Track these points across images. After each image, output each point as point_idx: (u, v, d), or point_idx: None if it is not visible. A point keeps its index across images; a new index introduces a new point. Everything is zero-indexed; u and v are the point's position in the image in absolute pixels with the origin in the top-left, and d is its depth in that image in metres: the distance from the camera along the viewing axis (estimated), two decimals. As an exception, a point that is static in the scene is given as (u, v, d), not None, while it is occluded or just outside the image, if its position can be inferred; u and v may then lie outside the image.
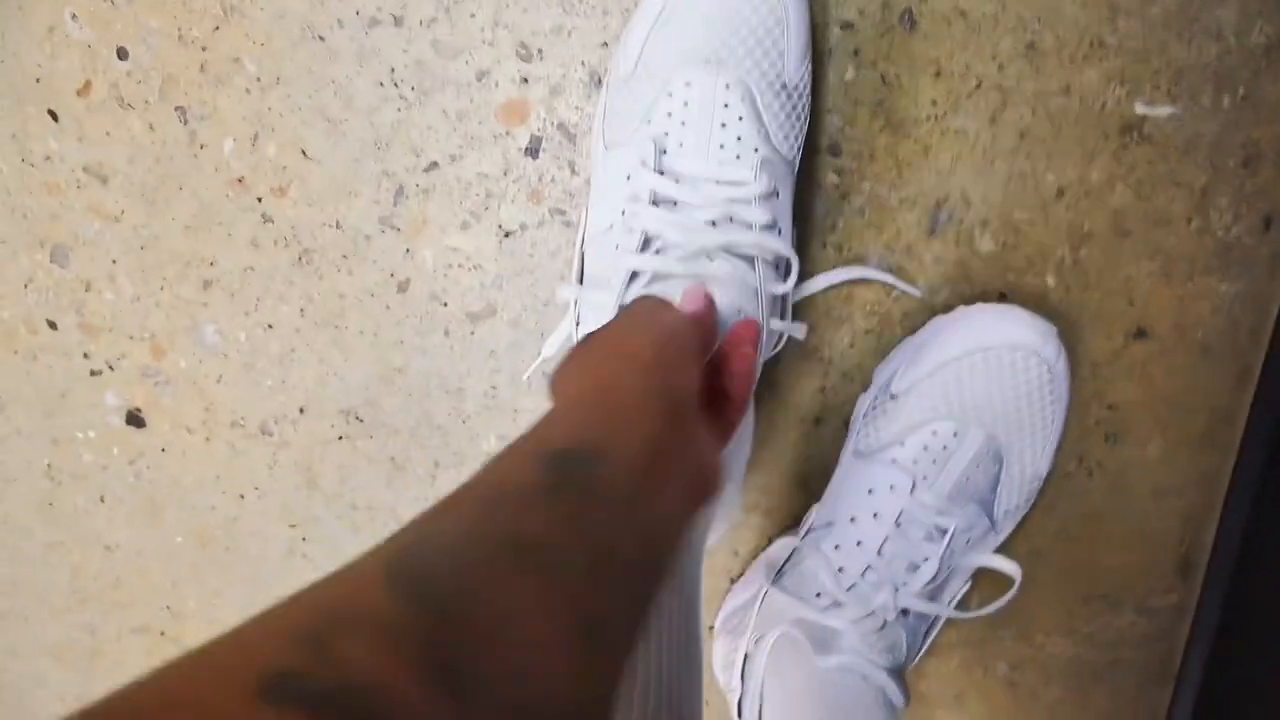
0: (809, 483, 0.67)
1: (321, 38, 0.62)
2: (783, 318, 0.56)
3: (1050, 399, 0.57)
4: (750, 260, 0.52)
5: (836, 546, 0.58)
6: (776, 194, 0.53)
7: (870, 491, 0.58)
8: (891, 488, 0.57)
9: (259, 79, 0.63)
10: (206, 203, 0.66)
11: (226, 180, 0.66)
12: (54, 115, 0.66)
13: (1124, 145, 0.58)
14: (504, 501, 0.27)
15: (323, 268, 0.66)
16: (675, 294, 0.49)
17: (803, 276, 0.61)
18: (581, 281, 0.57)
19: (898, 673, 0.57)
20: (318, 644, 0.20)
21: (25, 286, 0.70)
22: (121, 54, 0.64)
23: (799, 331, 0.57)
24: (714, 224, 0.52)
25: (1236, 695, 0.65)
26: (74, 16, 0.63)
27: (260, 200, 0.66)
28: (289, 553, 0.75)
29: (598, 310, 0.54)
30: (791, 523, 0.67)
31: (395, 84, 0.62)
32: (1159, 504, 0.64)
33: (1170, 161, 0.58)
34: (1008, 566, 0.58)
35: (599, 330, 0.40)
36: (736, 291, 0.51)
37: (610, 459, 0.30)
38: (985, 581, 0.63)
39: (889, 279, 0.61)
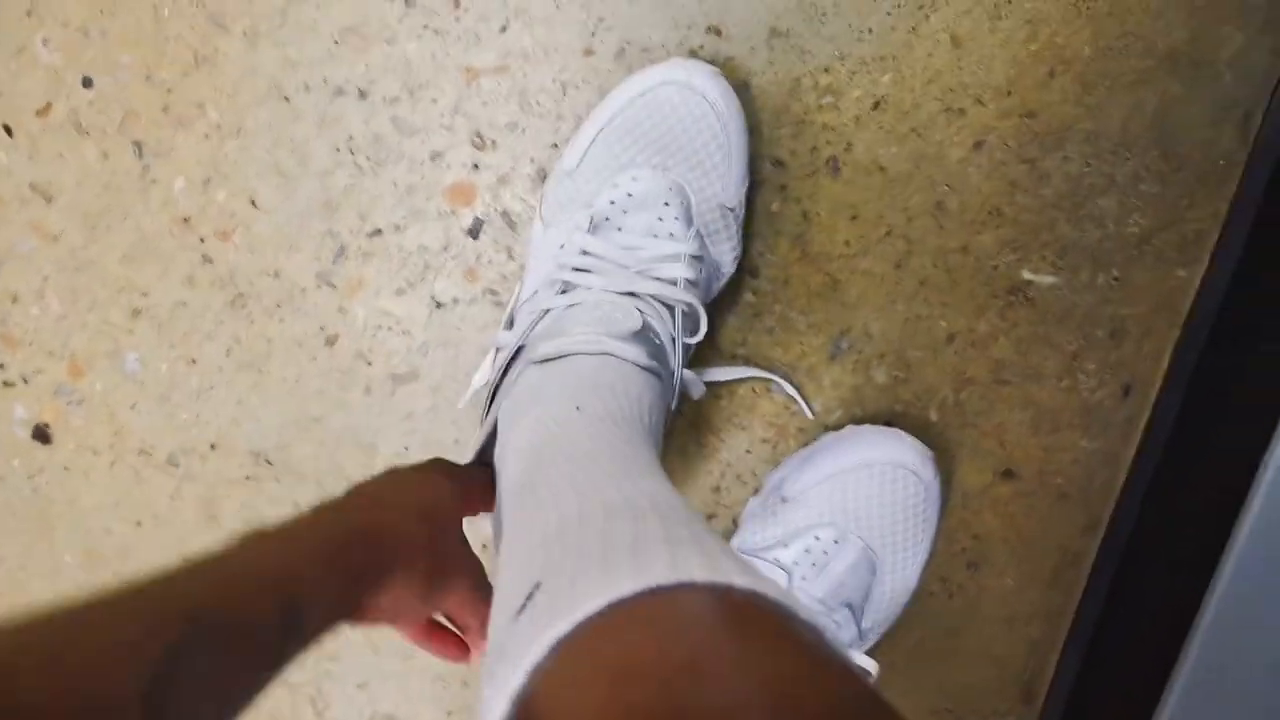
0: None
1: (287, 98, 0.65)
2: (685, 368, 0.59)
3: (924, 517, 0.62)
4: (671, 308, 0.56)
5: None
6: (702, 260, 0.58)
7: None
8: None
9: (219, 126, 0.66)
10: (148, 235, 0.68)
11: (172, 217, 0.68)
12: (8, 130, 0.67)
13: (1009, 304, 0.64)
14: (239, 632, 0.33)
15: (255, 313, 0.69)
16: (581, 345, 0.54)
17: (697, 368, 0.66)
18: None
19: None
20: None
21: (-50, 290, 0.70)
22: (87, 82, 0.66)
23: (696, 390, 0.61)
24: (640, 274, 0.56)
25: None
26: (45, 41, 0.65)
27: (203, 240, 0.68)
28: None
29: (505, 351, 0.57)
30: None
31: (351, 151, 0.65)
32: (1009, 631, 0.70)
33: (1048, 324, 0.64)
34: (865, 663, 0.62)
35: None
36: (657, 325, 0.55)
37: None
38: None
39: (790, 390, 0.66)
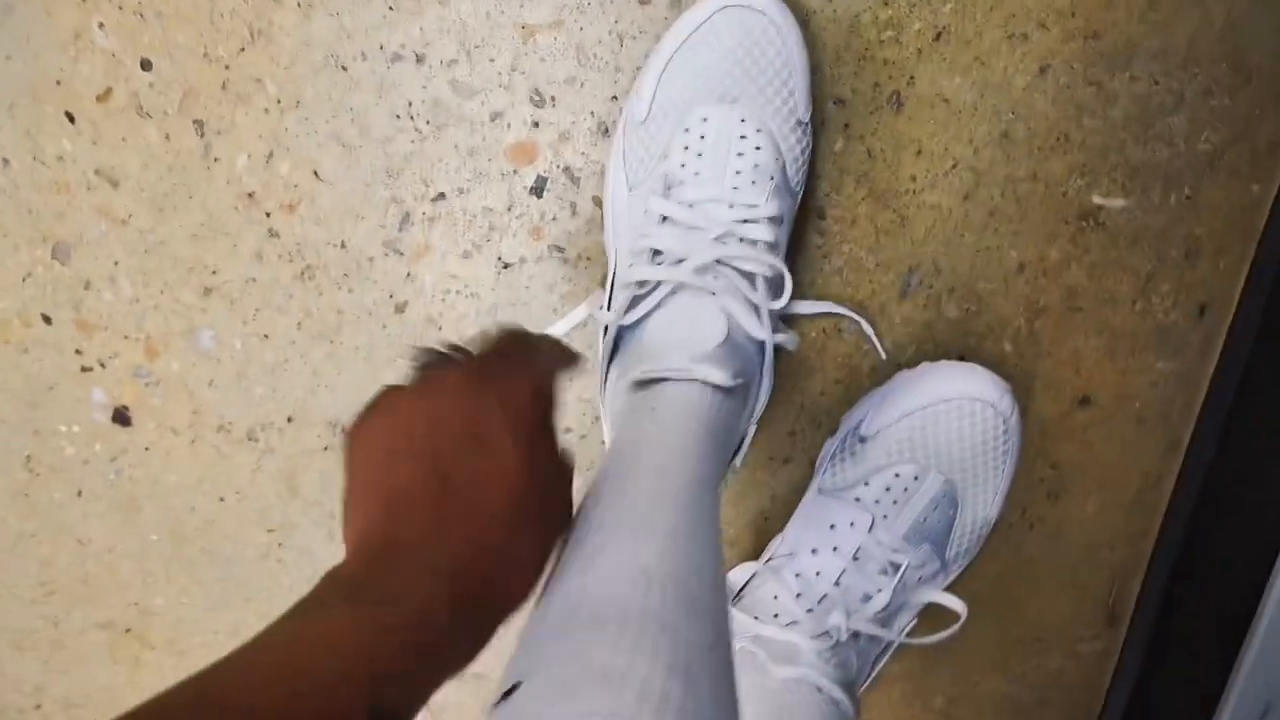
0: (772, 518, 0.71)
1: (344, 67, 0.65)
2: (775, 332, 0.59)
3: (1004, 450, 0.62)
4: (750, 277, 0.56)
5: (797, 574, 0.63)
6: (781, 220, 0.58)
7: (832, 526, 0.62)
8: (852, 524, 0.62)
9: (279, 100, 0.66)
10: (214, 213, 0.69)
11: (237, 193, 0.68)
12: (71, 117, 0.68)
13: (1080, 230, 0.64)
14: None
15: (324, 284, 0.69)
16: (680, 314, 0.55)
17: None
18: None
19: (850, 687, 0.61)
20: None
21: (24, 280, 0.71)
22: (145, 65, 0.66)
23: (792, 343, 0.60)
24: (721, 240, 0.56)
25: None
26: (101, 25, 0.66)
27: (269, 215, 0.68)
28: (263, 556, 0.77)
29: (610, 332, 0.58)
30: (752, 553, 0.72)
31: (411, 117, 0.65)
32: (1092, 557, 0.70)
33: (1120, 248, 0.64)
34: (954, 603, 0.63)
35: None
36: (737, 304, 0.55)
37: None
38: (929, 618, 0.68)
39: (866, 327, 0.66)
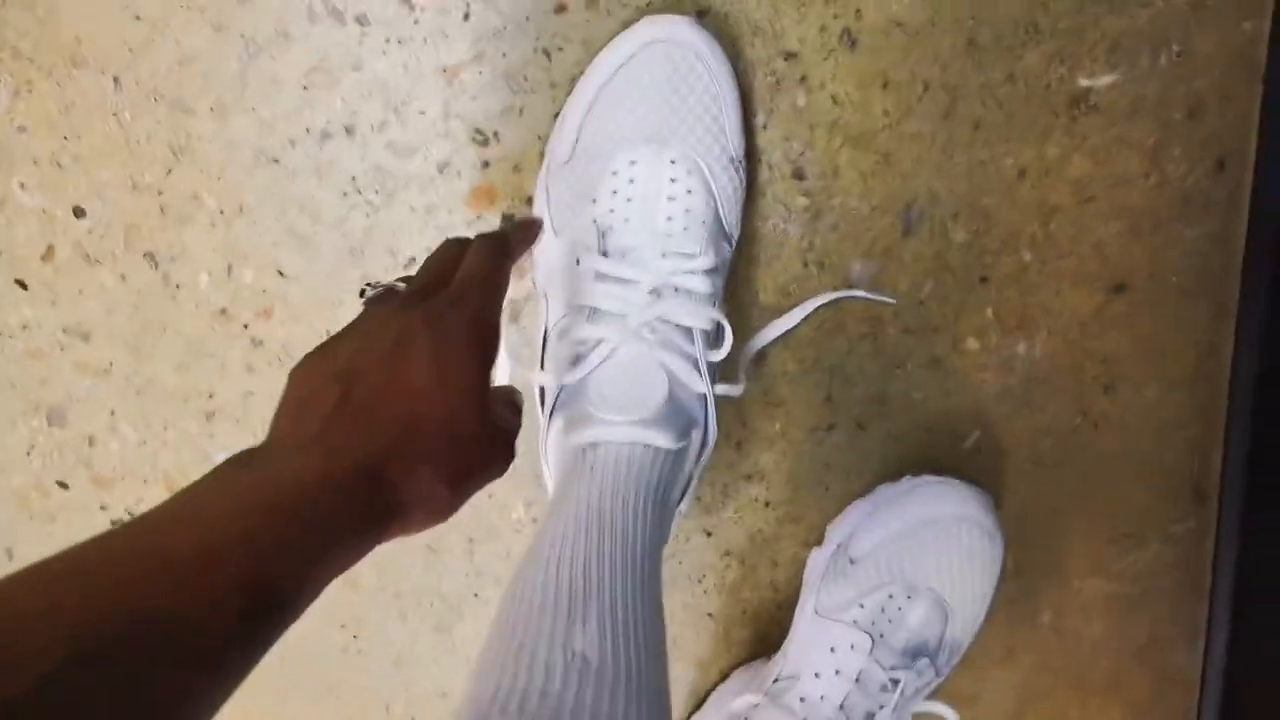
0: (830, 487, 0.69)
1: (276, 160, 0.62)
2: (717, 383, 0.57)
3: (989, 559, 0.64)
4: (688, 331, 0.54)
5: (801, 699, 0.64)
6: (717, 270, 0.56)
7: (833, 650, 0.64)
8: (853, 646, 0.63)
9: (222, 211, 0.63)
10: (193, 339, 0.66)
11: (209, 314, 0.66)
12: (22, 284, 0.65)
13: (1073, 119, 0.60)
14: (171, 652, 0.27)
15: (322, 379, 0.67)
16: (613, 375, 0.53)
17: (772, 312, 0.64)
18: (544, 368, 0.58)
19: None
20: None
21: (28, 454, 0.70)
22: (78, 212, 0.64)
23: (736, 392, 0.59)
24: (656, 293, 0.54)
25: (1269, 598, 0.69)
26: (22, 185, 0.63)
27: (246, 327, 0.66)
28: (344, 650, 0.76)
29: (549, 395, 0.57)
30: (819, 525, 0.70)
31: (359, 191, 0.62)
32: (1164, 440, 0.67)
33: (1119, 125, 0.60)
34: (946, 712, 0.65)
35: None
36: (677, 361, 0.54)
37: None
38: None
39: (861, 294, 0.63)
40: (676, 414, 0.54)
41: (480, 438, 0.42)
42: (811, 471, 0.69)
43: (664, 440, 0.52)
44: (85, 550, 0.28)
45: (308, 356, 0.42)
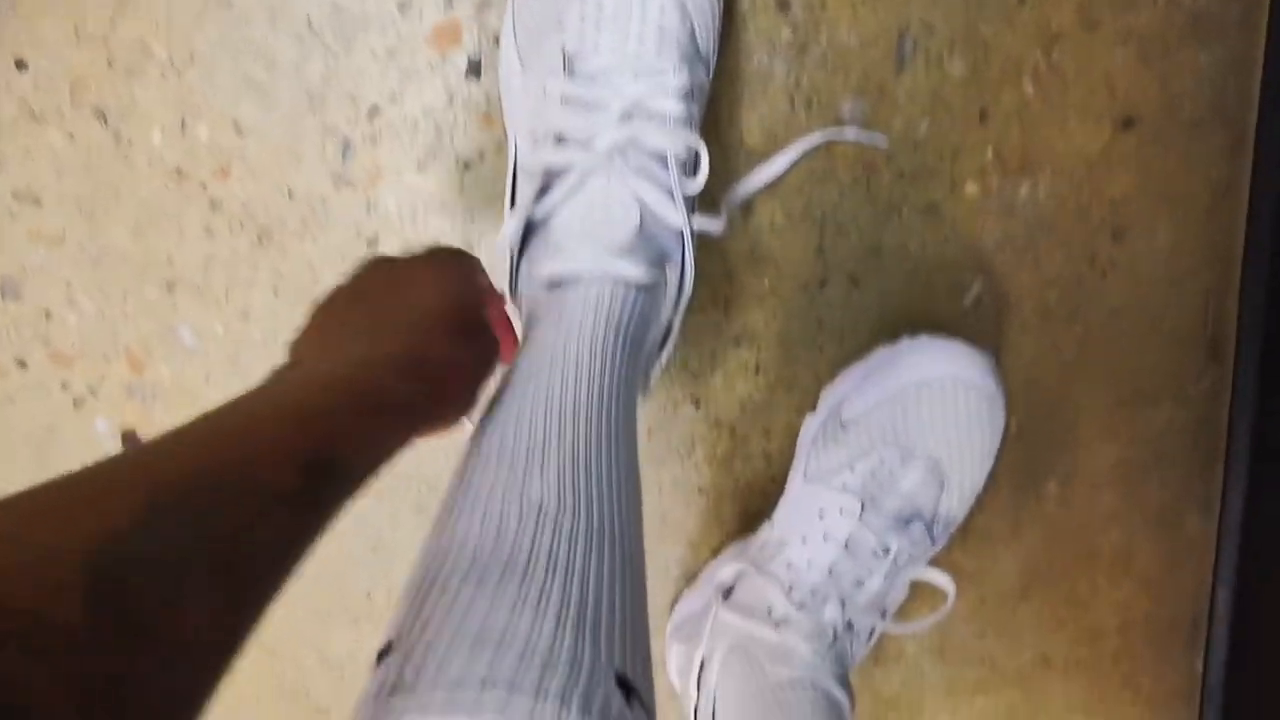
0: (824, 349, 0.65)
1: (228, 3, 0.58)
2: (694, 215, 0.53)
3: (989, 424, 0.61)
4: (662, 159, 0.51)
5: (788, 565, 0.62)
6: (693, 94, 0.52)
7: (821, 515, 0.61)
8: (841, 511, 0.60)
9: (172, 61, 0.60)
10: (148, 202, 0.63)
11: (164, 174, 0.62)
12: (-34, 146, 0.62)
13: (1078, -70, 0.56)
14: (243, 505, 0.29)
15: (285, 241, 0.64)
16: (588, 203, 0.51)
17: (758, 156, 0.60)
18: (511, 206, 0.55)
19: (845, 678, 0.61)
20: None
21: (-16, 331, 0.67)
22: (20, 65, 0.60)
23: (716, 227, 0.55)
24: (627, 116, 0.50)
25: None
26: (-40, 36, 0.59)
27: (204, 186, 0.63)
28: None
29: (515, 228, 0.53)
30: (812, 390, 0.66)
31: (315, 33, 0.59)
32: (1177, 290, 0.64)
33: (1127, -63, 0.56)
34: (942, 581, 0.62)
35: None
36: (650, 189, 0.50)
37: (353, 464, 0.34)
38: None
39: (850, 136, 0.59)
40: (648, 246, 0.51)
41: (485, 328, 0.45)
42: (804, 332, 0.65)
43: (634, 272, 0.49)
44: (156, 438, 0.29)
45: (318, 299, 0.44)
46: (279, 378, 0.37)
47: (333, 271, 0.64)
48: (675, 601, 0.72)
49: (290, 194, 0.62)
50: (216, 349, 0.67)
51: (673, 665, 0.69)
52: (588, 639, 0.35)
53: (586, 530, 0.39)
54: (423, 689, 0.31)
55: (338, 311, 0.43)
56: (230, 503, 0.28)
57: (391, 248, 0.63)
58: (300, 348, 0.41)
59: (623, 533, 0.42)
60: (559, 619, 0.34)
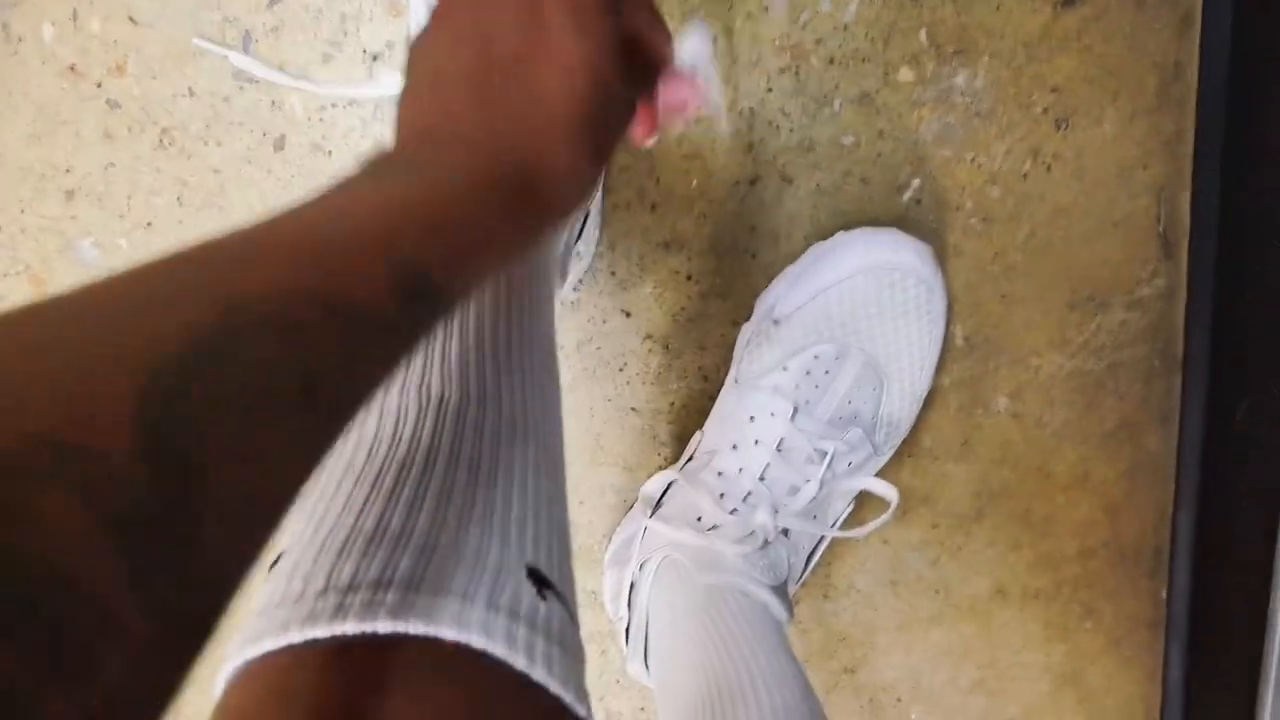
0: (757, 254, 0.62)
1: (114, -119, 0.55)
2: None
3: (929, 316, 0.58)
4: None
5: (719, 474, 0.59)
6: None
7: (752, 419, 0.58)
8: (772, 414, 0.58)
9: (60, -53, 0.57)
10: (42, 103, 0.60)
11: (57, 71, 0.59)
12: None
13: None
14: (342, 328, 0.25)
15: (188, 145, 0.61)
16: None
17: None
18: None
19: (781, 589, 0.58)
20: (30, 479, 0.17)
21: (-123, 247, 0.64)
22: (-99, -45, 0.57)
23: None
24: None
25: (1249, 372, 0.62)
26: None
27: (99, 85, 0.59)
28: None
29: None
30: (746, 300, 0.63)
31: (209, -85, 0.56)
32: (1126, 182, 0.60)
33: None
34: (885, 490, 0.59)
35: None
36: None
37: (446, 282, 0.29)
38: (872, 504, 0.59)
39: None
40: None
41: (623, 96, 0.34)
42: (735, 236, 0.62)
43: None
44: (222, 240, 0.25)
45: (424, 29, 0.35)
46: (378, 181, 0.30)
47: (238, 177, 0.61)
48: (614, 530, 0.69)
49: (191, 92, 0.59)
50: (120, 263, 0.63)
51: (607, 592, 0.66)
52: (495, 533, 0.33)
53: (494, 422, 0.37)
54: (310, 595, 0.29)
55: (452, 48, 0.34)
56: (321, 325, 0.24)
57: (300, 150, 0.60)
58: (409, 116, 0.34)
59: (536, 426, 0.39)
60: (461, 514, 0.32)
